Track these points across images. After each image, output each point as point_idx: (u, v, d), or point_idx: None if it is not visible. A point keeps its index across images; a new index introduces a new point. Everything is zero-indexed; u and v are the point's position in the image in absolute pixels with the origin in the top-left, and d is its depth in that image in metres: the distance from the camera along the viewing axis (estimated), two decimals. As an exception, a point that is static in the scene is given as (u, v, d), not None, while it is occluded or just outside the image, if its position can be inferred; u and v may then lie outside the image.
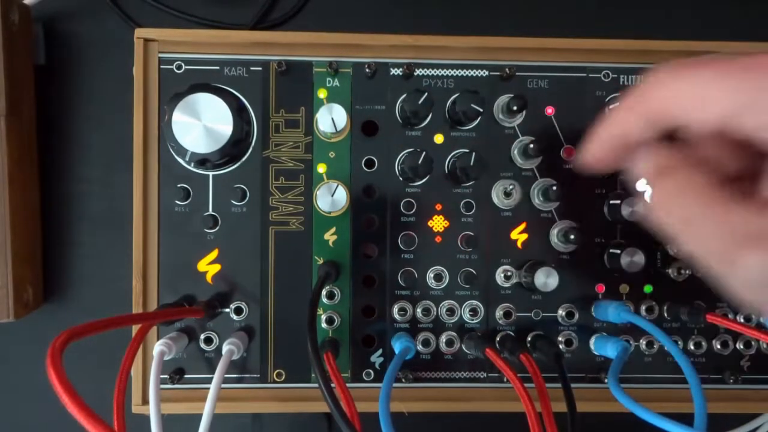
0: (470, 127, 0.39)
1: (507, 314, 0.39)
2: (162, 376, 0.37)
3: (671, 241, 0.24)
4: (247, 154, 0.39)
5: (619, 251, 0.38)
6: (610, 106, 0.27)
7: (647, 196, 0.24)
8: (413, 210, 0.39)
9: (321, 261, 0.39)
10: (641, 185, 0.25)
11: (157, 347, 0.35)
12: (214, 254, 0.39)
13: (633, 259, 0.38)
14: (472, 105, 0.36)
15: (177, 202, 0.39)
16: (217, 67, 0.39)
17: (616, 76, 0.40)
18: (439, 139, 0.39)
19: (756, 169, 0.22)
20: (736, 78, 0.22)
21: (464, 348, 0.39)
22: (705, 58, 0.23)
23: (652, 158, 0.25)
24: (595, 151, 0.27)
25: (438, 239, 0.39)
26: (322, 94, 0.39)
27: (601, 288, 0.40)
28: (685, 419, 0.30)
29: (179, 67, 0.39)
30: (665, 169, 0.24)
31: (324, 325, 0.39)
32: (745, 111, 0.21)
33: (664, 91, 0.24)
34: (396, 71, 0.39)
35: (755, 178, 0.22)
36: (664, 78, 0.24)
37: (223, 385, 0.38)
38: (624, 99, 0.25)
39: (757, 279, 0.20)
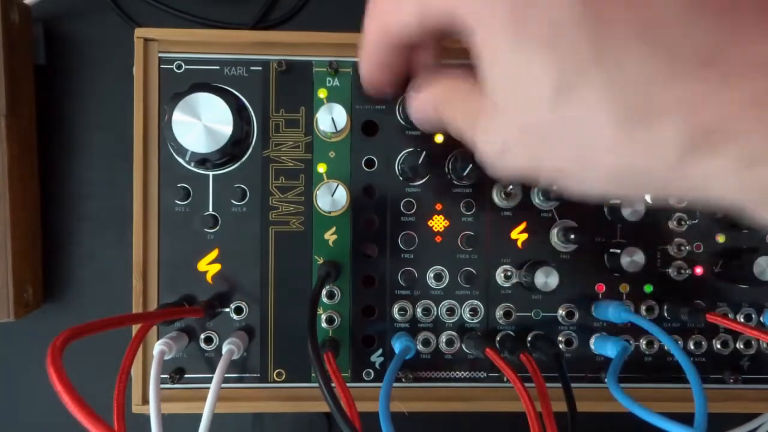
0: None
1: (507, 314, 0.39)
2: (162, 376, 0.37)
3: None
4: (247, 154, 0.39)
5: (619, 251, 0.38)
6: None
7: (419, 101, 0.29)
8: (413, 210, 0.39)
9: (321, 261, 0.39)
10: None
11: (157, 347, 0.35)
12: (214, 254, 0.39)
13: (633, 258, 0.38)
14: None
15: (177, 201, 0.39)
16: (217, 67, 0.39)
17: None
18: (438, 139, 0.39)
19: None
20: None
21: (464, 348, 0.39)
22: None
23: (428, 97, 0.29)
24: (367, 78, 0.30)
25: (438, 239, 0.39)
26: (322, 93, 0.39)
27: (601, 288, 0.40)
28: (686, 419, 0.30)
29: (179, 67, 0.39)
30: (429, 79, 0.29)
31: (324, 324, 0.39)
32: (424, 17, 0.24)
33: (375, 25, 0.27)
34: (396, 71, 0.39)
35: None
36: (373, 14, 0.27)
37: (223, 385, 0.38)
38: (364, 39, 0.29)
39: (486, 152, 0.24)
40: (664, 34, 0.18)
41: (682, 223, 0.40)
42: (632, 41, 0.18)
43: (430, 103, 0.29)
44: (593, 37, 0.18)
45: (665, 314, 0.40)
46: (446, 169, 0.39)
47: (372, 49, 0.28)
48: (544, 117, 0.20)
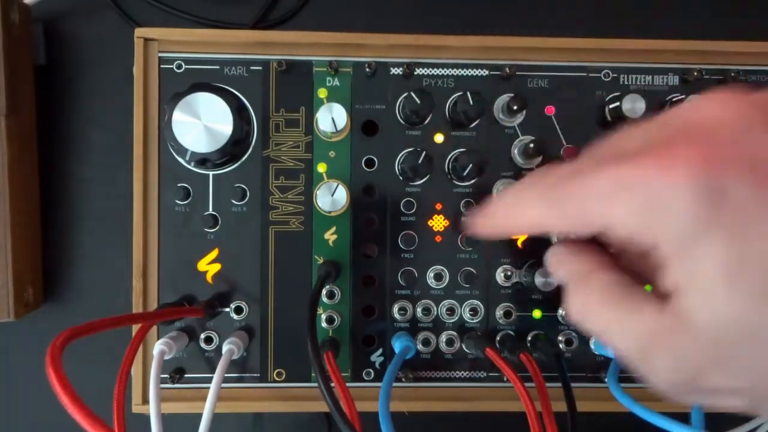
0: (470, 126, 0.39)
1: (507, 314, 0.39)
2: (162, 376, 0.37)
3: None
4: (247, 154, 0.39)
5: (619, 251, 0.38)
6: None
7: (566, 305, 0.26)
8: (413, 210, 0.39)
9: (321, 260, 0.39)
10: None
11: (158, 347, 0.35)
12: (214, 254, 0.39)
13: (633, 258, 0.38)
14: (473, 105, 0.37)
15: (177, 201, 0.39)
16: (217, 67, 0.39)
17: (616, 75, 0.40)
18: (438, 138, 0.39)
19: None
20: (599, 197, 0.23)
21: (464, 347, 0.39)
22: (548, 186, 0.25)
23: (560, 267, 0.27)
24: (494, 230, 0.29)
25: (438, 239, 0.39)
26: (322, 93, 0.39)
27: (601, 288, 0.40)
28: (686, 419, 0.30)
29: (179, 67, 0.39)
30: (572, 278, 0.26)
31: (324, 324, 0.39)
32: (607, 231, 0.22)
33: (529, 221, 0.26)
34: (396, 71, 0.39)
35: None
36: (526, 208, 0.26)
37: (224, 385, 0.38)
38: (501, 217, 0.28)
39: (669, 381, 0.22)
40: None
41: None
42: None
43: (580, 309, 0.25)
44: None
45: (665, 314, 0.40)
46: (446, 169, 0.39)
47: (510, 227, 0.28)
48: (753, 362, 0.20)
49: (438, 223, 0.39)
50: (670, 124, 0.23)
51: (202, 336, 0.39)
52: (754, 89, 0.23)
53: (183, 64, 0.39)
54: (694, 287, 0.20)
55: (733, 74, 0.40)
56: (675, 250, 0.20)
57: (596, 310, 0.24)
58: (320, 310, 0.39)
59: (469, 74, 0.40)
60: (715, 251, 0.19)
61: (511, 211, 0.27)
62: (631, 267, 0.26)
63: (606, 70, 0.40)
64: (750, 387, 0.21)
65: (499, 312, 0.39)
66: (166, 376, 0.38)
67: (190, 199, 0.39)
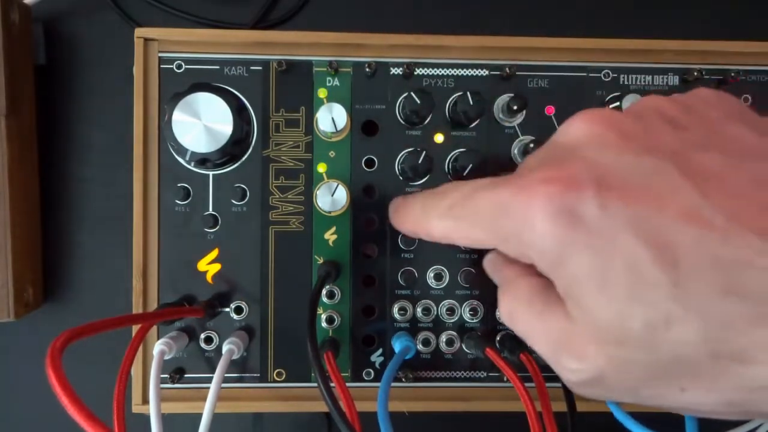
0: (470, 126, 0.39)
1: (507, 314, 0.39)
2: (162, 376, 0.37)
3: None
4: (247, 154, 0.39)
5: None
6: None
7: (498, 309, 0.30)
8: (413, 210, 0.39)
9: (321, 260, 0.39)
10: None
11: (157, 347, 0.35)
12: (214, 254, 0.39)
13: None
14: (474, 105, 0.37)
15: (177, 201, 0.39)
16: (217, 67, 0.39)
17: (616, 75, 0.40)
18: (439, 138, 0.39)
19: None
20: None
21: (464, 347, 0.39)
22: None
23: (495, 274, 0.31)
24: (405, 231, 0.34)
25: (438, 239, 0.39)
26: (322, 93, 0.39)
27: (601, 288, 0.40)
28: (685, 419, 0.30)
29: (179, 67, 0.39)
30: (502, 283, 0.30)
31: (324, 324, 0.39)
32: (501, 246, 0.25)
33: (438, 232, 0.29)
34: (396, 71, 0.39)
35: None
36: (433, 220, 0.29)
37: (223, 385, 0.38)
38: (414, 222, 0.32)
39: (574, 381, 0.24)
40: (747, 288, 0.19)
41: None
42: (715, 295, 0.19)
43: (507, 312, 0.29)
44: (673, 275, 0.20)
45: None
46: (446, 169, 0.39)
47: (424, 234, 0.30)
48: (641, 356, 0.21)
49: (438, 223, 0.39)
50: (546, 147, 0.25)
51: (202, 336, 0.39)
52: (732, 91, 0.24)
53: (183, 64, 0.39)
54: (573, 298, 0.22)
55: (733, 74, 0.39)
56: (548, 267, 0.23)
57: (520, 314, 0.27)
58: (320, 310, 0.39)
59: (469, 74, 0.40)
60: (579, 266, 0.21)
61: (420, 221, 0.30)
62: None
63: (606, 70, 0.40)
64: (648, 383, 0.22)
65: (499, 312, 0.39)
66: (166, 376, 0.38)
67: (190, 199, 0.39)
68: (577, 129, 0.24)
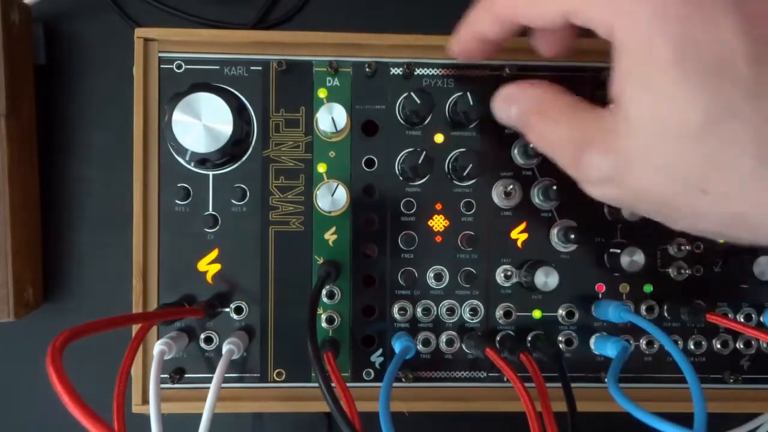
0: (470, 126, 0.39)
1: (507, 314, 0.39)
2: (162, 376, 0.37)
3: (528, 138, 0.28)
4: (247, 154, 0.39)
5: (619, 251, 0.38)
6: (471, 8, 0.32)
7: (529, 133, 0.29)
8: (413, 210, 0.39)
9: (321, 261, 0.39)
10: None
11: (157, 347, 0.35)
12: (214, 254, 0.39)
13: (633, 258, 0.38)
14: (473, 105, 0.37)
15: (177, 201, 0.39)
16: (217, 67, 0.39)
17: (616, 75, 0.40)
18: (439, 138, 0.39)
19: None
20: None
21: (464, 348, 0.39)
22: None
23: (515, 105, 0.30)
24: (461, 46, 0.32)
25: (438, 239, 0.39)
26: (322, 93, 0.39)
27: (601, 288, 0.40)
28: (685, 419, 0.30)
29: (179, 67, 0.39)
30: (528, 110, 0.28)
31: (324, 324, 0.39)
32: (581, 6, 0.23)
33: (503, 6, 0.28)
34: (396, 71, 0.39)
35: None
36: None
37: (223, 385, 0.38)
38: (477, 3, 0.29)
39: (595, 176, 0.23)
40: None
41: (682, 223, 0.40)
42: None
43: (520, 105, 0.28)
44: (758, 74, 0.19)
45: (665, 314, 0.40)
46: (446, 169, 0.39)
47: (485, 19, 0.29)
48: (683, 147, 0.20)
49: (438, 223, 0.39)
50: None
51: (202, 336, 0.39)
52: None
53: (183, 64, 0.39)
54: (637, 75, 0.21)
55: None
56: (629, 34, 0.21)
57: (546, 126, 0.26)
58: (320, 310, 0.39)
59: (469, 74, 0.40)
60: (667, 35, 0.20)
61: (481, 9, 0.29)
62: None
63: (605, 71, 0.40)
64: (671, 188, 0.22)
65: (499, 312, 0.39)
66: (166, 376, 0.38)
67: (190, 199, 0.39)
68: None
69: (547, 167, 0.39)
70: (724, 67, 0.19)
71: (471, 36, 0.31)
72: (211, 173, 0.39)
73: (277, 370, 0.39)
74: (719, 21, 0.19)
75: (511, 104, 0.30)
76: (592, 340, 0.40)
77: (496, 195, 0.39)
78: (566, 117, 0.25)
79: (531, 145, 0.37)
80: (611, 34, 0.22)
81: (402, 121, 0.39)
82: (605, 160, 0.23)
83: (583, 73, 0.40)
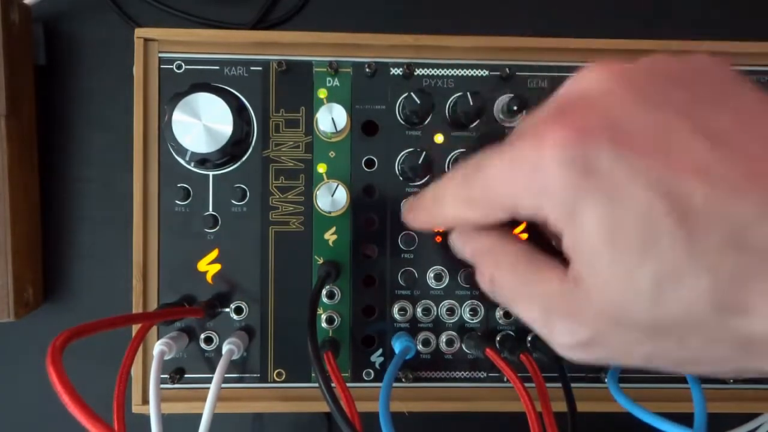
0: (470, 126, 0.39)
1: (507, 314, 0.39)
2: (162, 376, 0.37)
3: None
4: (247, 154, 0.39)
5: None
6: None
7: (477, 278, 0.28)
8: (413, 210, 0.39)
9: (321, 261, 0.39)
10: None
11: (158, 347, 0.35)
12: (214, 254, 0.39)
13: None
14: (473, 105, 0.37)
15: (177, 202, 0.39)
16: (217, 67, 0.39)
17: (616, 75, 0.40)
18: (439, 139, 0.39)
19: None
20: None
21: (464, 348, 0.39)
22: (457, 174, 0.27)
23: (467, 245, 0.29)
24: (413, 224, 0.31)
25: (438, 239, 0.39)
26: (322, 93, 0.39)
27: (601, 288, 0.40)
28: (686, 419, 0.30)
29: (179, 67, 0.39)
30: (479, 252, 0.28)
31: (324, 324, 0.39)
32: (513, 212, 0.24)
33: (451, 214, 0.28)
34: (396, 71, 0.39)
35: None
36: (446, 203, 0.28)
37: (223, 385, 0.38)
38: (427, 212, 0.30)
39: (568, 343, 0.23)
40: (753, 241, 0.20)
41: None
42: (725, 249, 0.20)
43: (489, 280, 0.27)
44: (689, 232, 0.20)
45: (665, 314, 0.40)
46: (446, 169, 0.39)
47: (438, 221, 0.30)
48: (646, 315, 0.21)
49: (438, 223, 0.39)
50: (553, 101, 0.25)
51: (202, 336, 0.39)
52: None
53: (183, 64, 0.39)
54: (581, 252, 0.22)
55: (732, 74, 0.40)
56: (560, 218, 0.22)
57: (505, 280, 0.26)
58: (320, 310, 0.39)
59: (469, 74, 0.40)
60: (592, 216, 0.21)
61: (433, 209, 0.29)
62: (555, 239, 0.28)
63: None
64: (648, 341, 0.22)
65: (499, 312, 0.40)
66: (166, 376, 0.38)
67: (190, 199, 0.39)
68: (589, 80, 0.24)
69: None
70: (651, 229, 0.20)
71: (427, 226, 0.32)
72: (211, 173, 0.39)
73: (277, 370, 0.39)
74: (627, 186, 0.20)
75: (464, 245, 0.29)
76: (592, 340, 0.40)
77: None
78: (528, 274, 0.25)
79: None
80: (546, 221, 0.23)
81: (402, 121, 0.39)
82: (578, 327, 0.23)
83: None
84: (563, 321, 0.23)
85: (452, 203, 0.27)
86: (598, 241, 0.21)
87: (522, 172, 0.23)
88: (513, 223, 0.40)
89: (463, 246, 0.30)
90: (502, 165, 0.24)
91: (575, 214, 0.21)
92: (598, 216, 0.21)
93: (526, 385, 0.33)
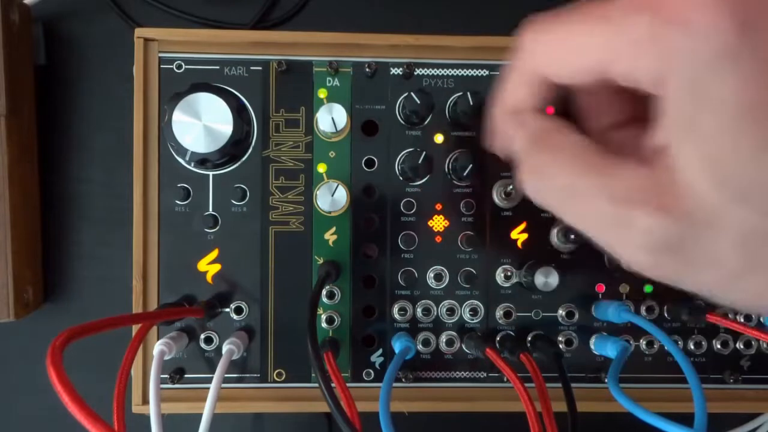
0: (470, 127, 0.39)
1: (507, 314, 0.39)
2: (162, 376, 0.37)
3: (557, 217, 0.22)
4: (247, 154, 0.39)
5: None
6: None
7: (521, 171, 0.23)
8: (413, 210, 0.39)
9: (321, 261, 0.39)
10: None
11: (158, 347, 0.35)
12: (214, 254, 0.39)
13: (633, 258, 0.38)
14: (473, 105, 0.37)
15: (177, 201, 0.39)
16: (217, 67, 0.39)
17: (616, 75, 0.40)
18: (439, 139, 0.39)
19: (643, 115, 0.21)
20: (599, 27, 0.20)
21: (464, 348, 0.39)
22: (569, 11, 0.21)
23: (521, 128, 0.24)
24: (499, 129, 0.26)
25: (438, 239, 0.39)
26: (322, 93, 0.39)
27: (601, 288, 0.40)
28: (686, 419, 0.30)
29: (179, 67, 0.39)
30: (536, 137, 0.23)
31: (324, 324, 0.39)
32: (614, 58, 0.20)
33: (537, 54, 0.23)
34: (396, 71, 0.39)
35: (643, 125, 0.21)
36: (534, 38, 0.23)
37: (223, 385, 0.38)
38: (507, 72, 0.25)
39: (649, 244, 0.19)
40: None
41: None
42: None
43: (539, 170, 0.22)
44: None
45: (665, 314, 0.40)
46: (446, 169, 0.39)
47: (514, 88, 0.25)
48: (754, 213, 0.18)
49: (438, 223, 0.39)
50: None
51: (202, 336, 0.39)
52: None
53: (183, 64, 0.39)
54: (696, 130, 0.18)
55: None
56: (685, 82, 0.18)
57: (562, 168, 0.21)
58: (320, 310, 0.39)
59: (469, 74, 0.40)
60: (733, 86, 0.17)
61: (517, 61, 0.24)
62: (600, 140, 0.23)
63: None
64: (734, 261, 0.18)
65: (499, 312, 0.39)
66: (166, 376, 0.38)
67: (190, 199, 0.39)
68: None
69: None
70: None
71: (507, 111, 0.26)
72: (211, 173, 0.39)
73: (277, 370, 0.39)
74: None
75: (515, 129, 0.24)
76: (592, 341, 0.40)
77: (496, 195, 0.39)
78: (596, 164, 0.20)
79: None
80: (661, 83, 0.19)
81: (402, 121, 0.39)
82: (664, 223, 0.18)
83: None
84: (647, 213, 0.19)
85: (543, 36, 0.22)
86: (729, 115, 0.17)
87: (659, 13, 0.18)
88: (514, 225, 0.40)
89: (515, 130, 0.24)
90: (584, 22, 0.20)
91: (712, 78, 0.17)
92: (744, 84, 0.17)
93: (526, 385, 0.33)
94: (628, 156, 0.20)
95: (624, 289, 0.40)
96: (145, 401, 0.39)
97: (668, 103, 0.19)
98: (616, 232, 0.20)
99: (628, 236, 0.19)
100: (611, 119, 0.24)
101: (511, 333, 0.40)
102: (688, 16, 0.17)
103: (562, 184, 0.21)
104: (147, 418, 0.32)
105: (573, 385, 0.35)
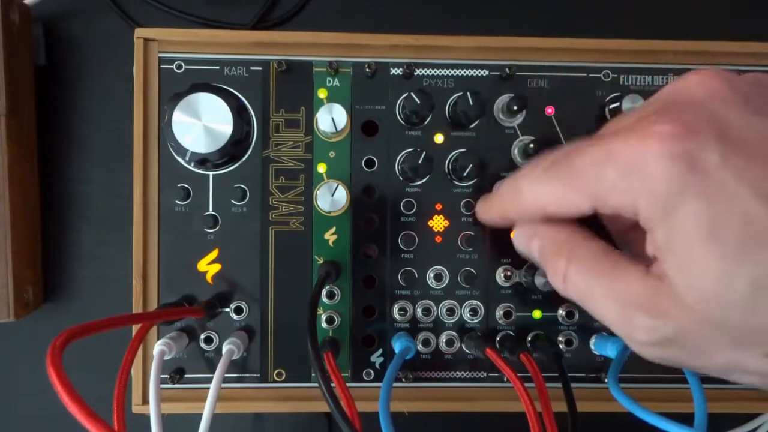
0: (470, 126, 0.39)
1: (507, 314, 0.39)
2: (162, 376, 0.37)
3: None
4: (247, 154, 0.39)
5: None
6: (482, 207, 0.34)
7: (546, 276, 0.28)
8: (413, 210, 0.39)
9: (321, 261, 0.39)
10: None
11: (157, 347, 0.35)
12: (214, 254, 0.39)
13: (633, 258, 0.38)
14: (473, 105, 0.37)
15: (177, 202, 0.39)
16: (217, 67, 0.39)
17: (616, 76, 0.40)
18: (439, 139, 0.39)
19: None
20: (578, 182, 0.25)
21: (464, 348, 0.39)
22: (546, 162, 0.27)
23: (537, 240, 0.29)
24: (488, 221, 0.34)
25: (438, 239, 0.39)
26: (322, 93, 0.39)
27: (601, 288, 0.40)
28: (686, 419, 0.30)
29: (179, 67, 0.39)
30: (555, 248, 0.27)
31: (324, 324, 0.39)
32: (597, 204, 0.24)
33: (530, 200, 0.28)
34: (396, 71, 0.39)
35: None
36: (525, 189, 0.28)
37: (223, 385, 0.38)
38: (503, 192, 0.31)
39: (651, 339, 0.23)
40: None
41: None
42: None
43: (544, 245, 0.28)
44: None
45: (665, 314, 0.40)
46: (446, 169, 0.39)
47: (512, 211, 0.30)
48: (735, 316, 0.21)
49: (438, 223, 0.39)
50: (655, 101, 0.25)
51: (202, 336, 0.39)
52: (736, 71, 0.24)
53: (183, 64, 0.39)
54: (673, 250, 0.21)
55: (732, 74, 0.40)
56: (654, 213, 0.22)
57: (579, 275, 0.26)
58: (320, 311, 0.39)
59: (469, 74, 0.40)
60: (691, 213, 0.20)
61: (508, 197, 0.29)
62: (620, 240, 0.29)
63: (606, 70, 0.40)
64: (731, 347, 0.22)
65: (499, 312, 0.39)
66: (166, 376, 0.38)
67: (190, 199, 0.39)
68: (695, 83, 0.23)
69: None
70: (754, 235, 0.20)
71: (499, 219, 0.32)
72: (211, 173, 0.39)
73: (277, 370, 0.39)
74: (733, 187, 0.20)
75: (531, 239, 0.29)
76: (592, 340, 0.40)
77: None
78: (606, 270, 0.25)
79: (531, 145, 0.37)
80: (637, 215, 0.23)
81: (402, 122, 0.39)
82: (660, 323, 0.22)
83: (584, 73, 0.40)
84: (646, 317, 0.23)
85: (532, 190, 0.27)
86: (696, 238, 0.20)
87: (620, 164, 0.22)
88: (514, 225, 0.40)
89: (529, 241, 0.29)
90: (599, 155, 0.23)
91: (673, 210, 0.21)
92: (699, 213, 0.20)
93: (526, 385, 0.33)
94: (640, 255, 0.24)
95: (624, 289, 0.40)
96: (145, 401, 0.39)
97: (647, 226, 0.23)
98: (625, 328, 0.24)
99: (634, 332, 0.23)
100: (621, 226, 0.29)
101: (511, 333, 0.40)
102: (643, 164, 0.21)
103: (583, 287, 0.25)
104: (147, 418, 0.32)
105: (573, 385, 0.35)
